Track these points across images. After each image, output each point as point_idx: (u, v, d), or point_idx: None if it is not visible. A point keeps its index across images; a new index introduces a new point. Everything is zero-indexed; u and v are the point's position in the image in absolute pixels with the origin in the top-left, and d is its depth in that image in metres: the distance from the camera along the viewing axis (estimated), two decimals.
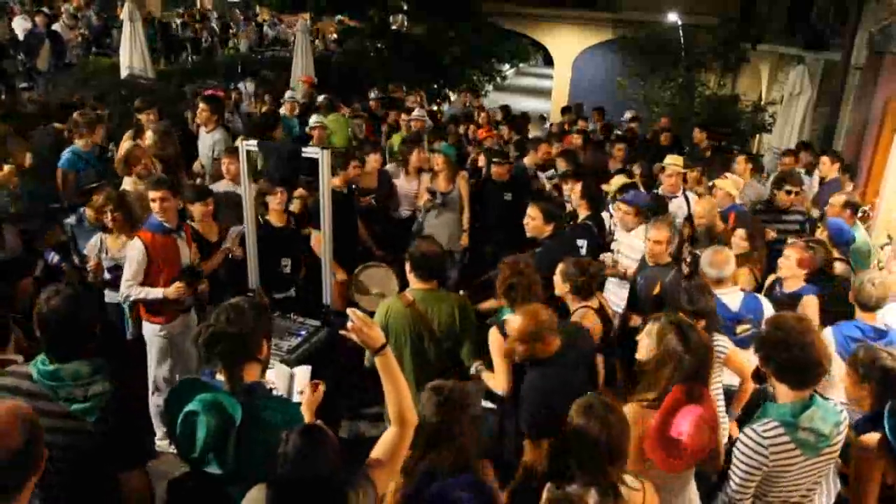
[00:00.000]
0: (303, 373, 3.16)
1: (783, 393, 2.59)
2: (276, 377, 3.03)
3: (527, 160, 7.61)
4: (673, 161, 6.20)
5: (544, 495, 2.37)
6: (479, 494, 2.24)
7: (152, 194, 4.25)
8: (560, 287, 3.93)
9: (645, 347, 2.89)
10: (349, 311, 2.29)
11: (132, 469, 2.39)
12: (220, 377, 2.38)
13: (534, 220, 4.70)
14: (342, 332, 2.37)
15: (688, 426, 2.54)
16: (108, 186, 5.10)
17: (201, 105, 6.88)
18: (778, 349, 2.55)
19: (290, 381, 3.15)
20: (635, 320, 4.43)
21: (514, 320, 3.19)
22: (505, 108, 11.78)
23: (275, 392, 2.71)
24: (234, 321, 2.31)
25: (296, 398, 3.00)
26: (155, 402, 4.49)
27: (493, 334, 3.49)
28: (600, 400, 2.47)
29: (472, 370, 3.65)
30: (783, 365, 2.56)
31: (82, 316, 2.37)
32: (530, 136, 9.92)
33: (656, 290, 4.33)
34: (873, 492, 2.60)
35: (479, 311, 4.43)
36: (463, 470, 2.35)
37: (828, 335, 3.67)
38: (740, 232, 4.89)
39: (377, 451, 2.25)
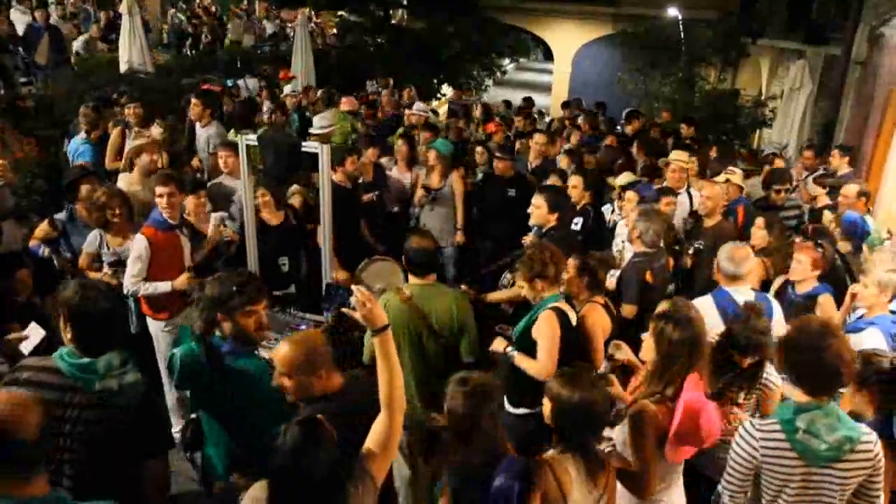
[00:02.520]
0: None
1: (797, 397, 2.53)
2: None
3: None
4: (677, 157, 6.15)
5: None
6: (521, 479, 2.32)
7: (160, 189, 4.23)
8: (572, 281, 3.82)
9: (647, 348, 2.87)
10: (353, 287, 2.33)
11: (156, 457, 2.51)
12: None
13: (538, 209, 4.66)
14: (345, 309, 2.39)
15: (707, 420, 2.64)
16: (95, 182, 5.01)
17: (193, 100, 6.86)
18: (794, 352, 2.51)
19: None
20: (628, 311, 4.40)
21: (280, 349, 2.56)
22: (528, 100, 11.52)
23: None
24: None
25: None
26: (176, 394, 4.44)
27: (550, 318, 3.39)
28: (583, 371, 2.54)
29: (507, 354, 3.56)
30: (798, 368, 2.51)
31: (115, 310, 2.47)
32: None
33: (647, 276, 4.38)
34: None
35: (488, 302, 4.40)
36: (496, 458, 2.41)
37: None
38: (759, 221, 4.75)
39: (370, 442, 2.26)
